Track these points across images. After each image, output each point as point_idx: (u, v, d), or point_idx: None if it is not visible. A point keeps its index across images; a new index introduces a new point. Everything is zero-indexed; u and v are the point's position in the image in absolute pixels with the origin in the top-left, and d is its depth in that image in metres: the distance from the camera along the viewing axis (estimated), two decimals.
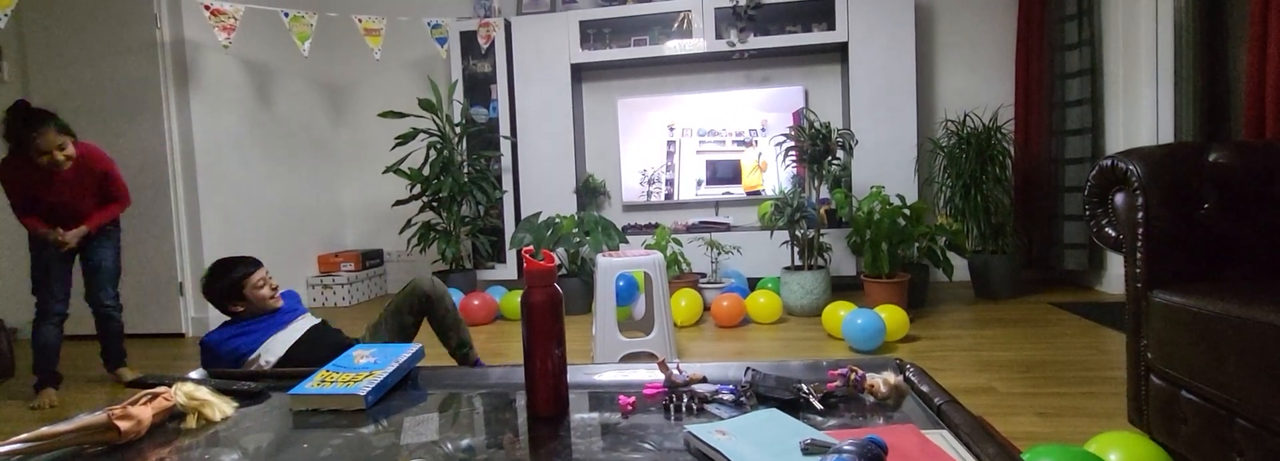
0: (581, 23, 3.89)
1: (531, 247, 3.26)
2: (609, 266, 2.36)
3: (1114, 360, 2.20)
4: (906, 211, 3.11)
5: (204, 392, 1.00)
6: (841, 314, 2.58)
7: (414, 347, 1.20)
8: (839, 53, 3.88)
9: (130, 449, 0.88)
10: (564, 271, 3.52)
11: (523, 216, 3.92)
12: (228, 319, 1.92)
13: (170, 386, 1.00)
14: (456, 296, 3.30)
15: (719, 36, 3.74)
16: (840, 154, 3.26)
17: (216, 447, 0.89)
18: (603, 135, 4.22)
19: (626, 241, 3.38)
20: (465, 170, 3.85)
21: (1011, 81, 3.75)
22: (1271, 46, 2.07)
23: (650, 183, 4.02)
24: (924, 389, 0.95)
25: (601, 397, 1.03)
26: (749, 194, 3.92)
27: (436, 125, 3.79)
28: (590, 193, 4.09)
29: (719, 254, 3.62)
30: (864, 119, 3.64)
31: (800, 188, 3.27)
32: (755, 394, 0.97)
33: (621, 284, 2.91)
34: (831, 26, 3.67)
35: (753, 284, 3.69)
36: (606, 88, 4.21)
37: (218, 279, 1.88)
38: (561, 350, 0.96)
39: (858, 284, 3.33)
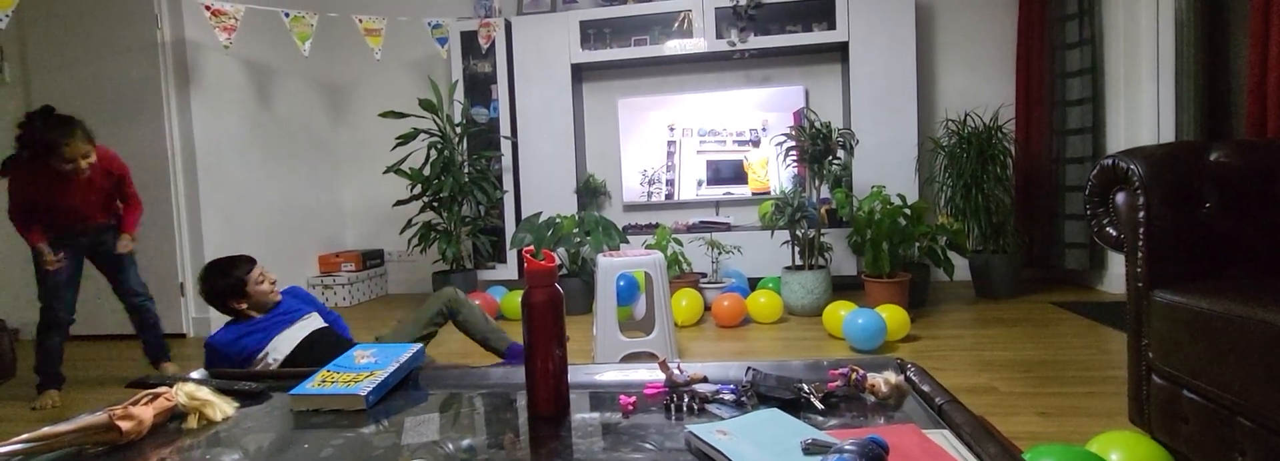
0: (582, 23, 3.89)
1: (532, 248, 3.26)
2: (609, 266, 2.36)
3: (1115, 359, 2.20)
4: (907, 211, 3.11)
5: (205, 392, 1.00)
6: (842, 313, 2.58)
7: (415, 348, 1.20)
8: (839, 52, 3.87)
9: (131, 449, 0.88)
10: (565, 271, 3.52)
11: (523, 216, 3.92)
12: (230, 319, 1.93)
13: (171, 386, 1.00)
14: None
15: (719, 36, 3.74)
16: (841, 153, 3.26)
17: (217, 448, 0.89)
18: (603, 135, 4.22)
19: (627, 241, 3.38)
20: (466, 170, 3.85)
21: (1012, 81, 3.75)
22: (1273, 44, 2.07)
23: (651, 182, 4.02)
24: (925, 388, 0.95)
25: (602, 397, 1.03)
26: (756, 194, 3.91)
27: (437, 125, 3.79)
28: (591, 193, 4.09)
29: (720, 254, 3.62)
30: (864, 118, 3.64)
31: (801, 187, 3.27)
32: (756, 393, 0.97)
33: (622, 284, 2.91)
34: (832, 26, 3.66)
35: (753, 284, 3.69)
36: (607, 87, 4.21)
37: (218, 279, 1.88)
38: (562, 350, 0.96)
39: (858, 283, 3.33)
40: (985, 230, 3.38)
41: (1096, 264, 3.38)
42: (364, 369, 1.10)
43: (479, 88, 4.15)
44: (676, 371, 1.03)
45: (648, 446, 0.83)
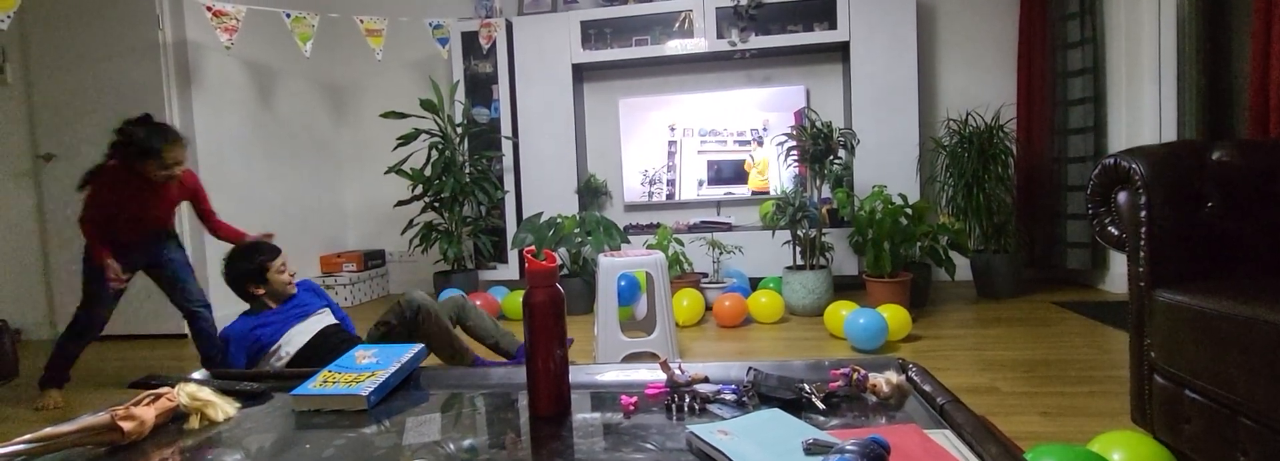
0: (583, 23, 3.89)
1: (533, 248, 3.26)
2: (611, 266, 2.36)
3: (1117, 359, 2.19)
4: (908, 210, 3.11)
5: (207, 393, 1.00)
6: (843, 313, 2.57)
7: (416, 348, 1.20)
8: (840, 52, 3.87)
9: (133, 449, 0.89)
10: (566, 271, 3.52)
11: (524, 216, 3.92)
12: (245, 311, 1.98)
13: (173, 387, 1.00)
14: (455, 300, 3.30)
15: (720, 36, 3.74)
16: (842, 153, 3.26)
17: (219, 448, 0.89)
18: (604, 135, 4.22)
19: (628, 241, 3.38)
20: (467, 170, 3.85)
21: (1013, 80, 3.74)
22: (1275, 43, 2.06)
23: (651, 183, 4.02)
24: (926, 388, 0.95)
25: (603, 397, 1.03)
26: (755, 194, 3.91)
27: (438, 126, 3.79)
28: (592, 193, 4.09)
29: (721, 254, 3.62)
30: (866, 118, 3.63)
31: (802, 187, 3.26)
32: (757, 393, 0.97)
33: (623, 284, 2.91)
34: (833, 26, 3.66)
35: (754, 283, 3.69)
36: (608, 88, 4.21)
37: (242, 261, 1.94)
38: (563, 350, 0.96)
39: (860, 283, 3.33)
40: (986, 230, 3.38)
41: (1098, 263, 3.38)
42: (365, 369, 1.10)
43: (480, 88, 4.15)
44: (678, 371, 1.03)
45: (649, 446, 0.83)
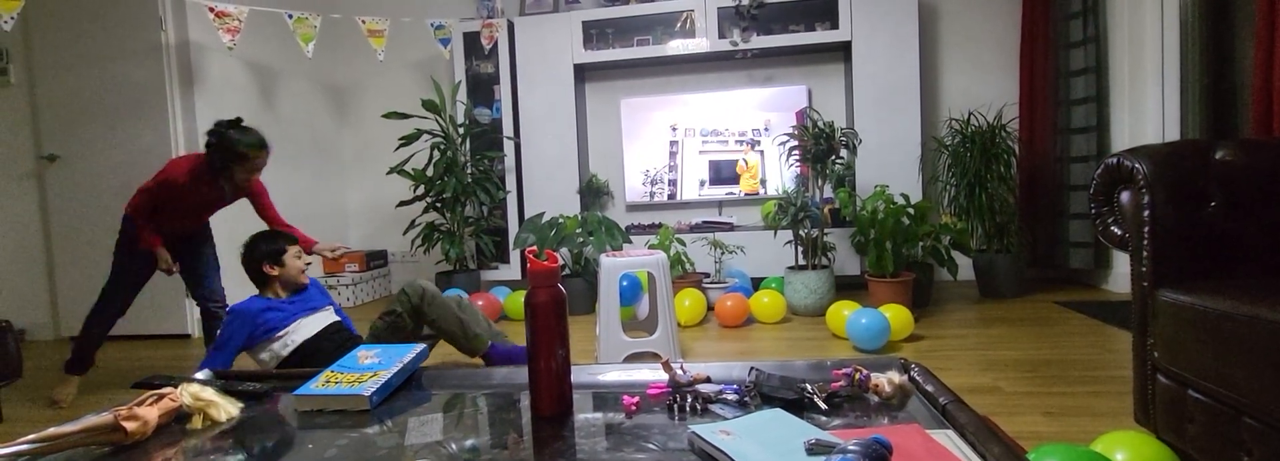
0: (584, 23, 3.89)
1: (535, 248, 3.26)
2: (613, 266, 2.36)
3: (1120, 359, 2.19)
4: (910, 210, 3.11)
5: (209, 393, 1.00)
6: (846, 313, 2.57)
7: (418, 348, 1.20)
8: (842, 52, 3.87)
9: (136, 449, 0.89)
10: (568, 272, 3.52)
11: (526, 217, 3.92)
12: (257, 293, 2.02)
13: (176, 387, 1.00)
14: (457, 294, 3.31)
15: (722, 36, 3.74)
16: (844, 153, 3.25)
17: (222, 448, 0.89)
18: (606, 135, 4.22)
19: (630, 241, 3.38)
20: (469, 171, 3.86)
21: (1016, 79, 3.74)
22: (1278, 43, 2.06)
23: (653, 183, 4.02)
24: (929, 388, 0.95)
25: (605, 398, 1.03)
26: (747, 194, 3.91)
27: (440, 126, 3.80)
28: (593, 193, 4.09)
29: (722, 254, 3.62)
30: (868, 118, 3.63)
31: (804, 187, 3.26)
32: (759, 394, 0.97)
33: (625, 284, 2.91)
34: (835, 25, 3.66)
35: (756, 283, 3.69)
36: (609, 88, 4.21)
37: (263, 243, 2.02)
38: (565, 350, 0.96)
39: (862, 283, 3.33)
40: (989, 229, 3.38)
41: (1101, 263, 3.37)
42: (367, 369, 1.10)
43: (482, 88, 4.15)
44: (679, 371, 1.03)
45: (651, 446, 0.83)
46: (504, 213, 4.04)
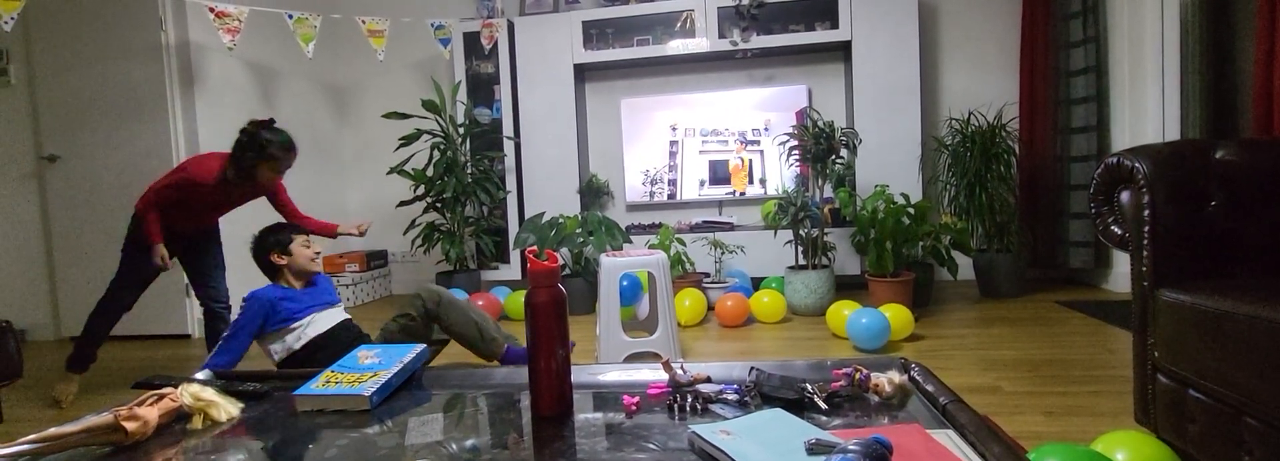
0: (584, 23, 3.89)
1: (535, 248, 3.26)
2: (613, 266, 2.36)
3: (1120, 359, 2.19)
4: (910, 210, 3.11)
5: (210, 393, 1.00)
6: (846, 313, 2.57)
7: (418, 348, 1.20)
8: (842, 51, 3.87)
9: (137, 450, 0.89)
10: (568, 272, 3.52)
11: (526, 217, 3.92)
12: (272, 282, 2.04)
13: (176, 387, 1.00)
14: (460, 297, 3.31)
15: (722, 36, 3.74)
16: (844, 153, 3.25)
17: (222, 448, 0.89)
18: (606, 135, 4.22)
19: (630, 241, 3.38)
20: (469, 171, 3.86)
21: (1016, 79, 3.74)
22: (1278, 42, 2.06)
23: (653, 182, 4.02)
24: (929, 388, 0.95)
25: (606, 398, 1.03)
26: (737, 193, 3.91)
27: (440, 126, 3.80)
28: (593, 193, 4.09)
29: (723, 253, 3.62)
30: (868, 118, 3.63)
31: (804, 187, 3.26)
32: (759, 393, 0.97)
33: (625, 284, 2.91)
34: (835, 25, 3.66)
35: (757, 283, 3.69)
36: (609, 88, 4.21)
37: (269, 233, 2.04)
38: (565, 350, 0.96)
39: (862, 283, 3.33)
40: (989, 229, 3.37)
41: (1101, 263, 3.37)
42: (368, 369, 1.10)
43: (482, 88, 4.15)
44: (680, 371, 1.03)
45: (651, 446, 0.83)
46: (504, 212, 4.04)
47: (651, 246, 3.47)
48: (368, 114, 4.51)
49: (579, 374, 1.09)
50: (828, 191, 3.50)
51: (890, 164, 3.61)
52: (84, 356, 2.38)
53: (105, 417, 0.89)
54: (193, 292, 2.56)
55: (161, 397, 0.96)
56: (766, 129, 3.87)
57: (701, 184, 3.97)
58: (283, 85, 3.99)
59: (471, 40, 3.98)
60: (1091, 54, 3.25)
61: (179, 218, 2.32)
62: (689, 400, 0.96)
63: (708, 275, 3.61)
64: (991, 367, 2.17)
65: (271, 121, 2.28)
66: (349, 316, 2.13)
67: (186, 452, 0.88)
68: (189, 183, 2.21)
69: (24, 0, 2.44)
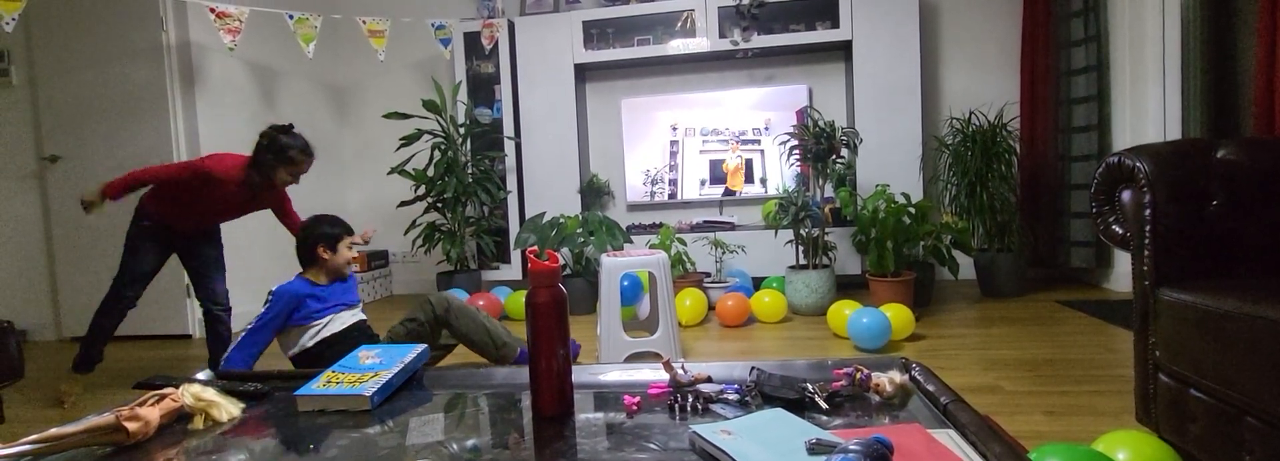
0: (585, 23, 3.89)
1: (536, 248, 3.26)
2: (613, 266, 2.36)
3: (1122, 358, 2.19)
4: (911, 210, 3.10)
5: (211, 393, 1.00)
6: (847, 313, 2.57)
7: (419, 348, 1.20)
8: (843, 51, 3.86)
9: (138, 450, 0.89)
10: (568, 271, 3.52)
11: (527, 217, 3.92)
12: (302, 274, 2.06)
13: (177, 387, 1.00)
14: (461, 297, 3.31)
15: (722, 36, 3.74)
16: (844, 152, 3.25)
17: (223, 448, 0.89)
18: (606, 135, 4.22)
19: (631, 241, 3.38)
20: (469, 171, 3.86)
21: (1017, 78, 3.74)
22: None
23: (654, 182, 4.02)
24: (930, 388, 0.95)
25: (606, 397, 1.03)
26: (729, 191, 3.91)
27: (441, 126, 3.80)
28: (594, 193, 4.09)
29: (723, 253, 3.62)
30: (868, 117, 3.63)
31: (805, 186, 3.26)
32: (760, 393, 0.97)
33: (626, 284, 2.91)
34: (835, 25, 3.66)
35: (757, 283, 3.68)
36: (610, 88, 4.21)
37: (325, 225, 2.06)
38: (566, 350, 0.96)
39: (863, 283, 3.32)
40: (990, 228, 3.37)
41: (1102, 262, 3.37)
42: (368, 369, 1.10)
43: (482, 88, 4.15)
44: (680, 371, 1.03)
45: (652, 446, 0.83)
46: (504, 213, 4.04)
47: (652, 246, 3.47)
48: (368, 114, 4.51)
49: (580, 374, 1.09)
50: (828, 191, 3.50)
51: (891, 163, 3.61)
52: (90, 357, 2.39)
53: (106, 418, 0.89)
54: (194, 293, 2.56)
55: (163, 398, 0.96)
56: (767, 128, 3.87)
57: (702, 183, 3.97)
58: (283, 85, 3.99)
59: (472, 40, 3.98)
60: (1092, 53, 3.25)
61: (183, 214, 2.33)
62: (690, 400, 0.96)
63: (708, 275, 3.61)
64: (992, 367, 2.17)
65: (290, 126, 2.30)
66: (365, 317, 2.14)
67: (188, 453, 0.88)
68: (207, 175, 2.22)
69: (25, 1, 2.44)
